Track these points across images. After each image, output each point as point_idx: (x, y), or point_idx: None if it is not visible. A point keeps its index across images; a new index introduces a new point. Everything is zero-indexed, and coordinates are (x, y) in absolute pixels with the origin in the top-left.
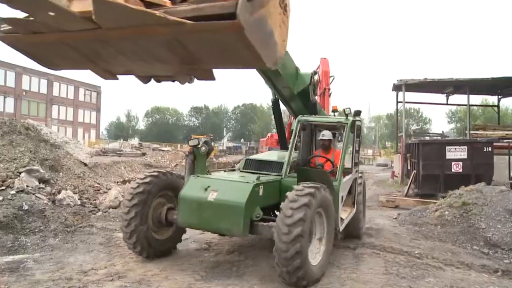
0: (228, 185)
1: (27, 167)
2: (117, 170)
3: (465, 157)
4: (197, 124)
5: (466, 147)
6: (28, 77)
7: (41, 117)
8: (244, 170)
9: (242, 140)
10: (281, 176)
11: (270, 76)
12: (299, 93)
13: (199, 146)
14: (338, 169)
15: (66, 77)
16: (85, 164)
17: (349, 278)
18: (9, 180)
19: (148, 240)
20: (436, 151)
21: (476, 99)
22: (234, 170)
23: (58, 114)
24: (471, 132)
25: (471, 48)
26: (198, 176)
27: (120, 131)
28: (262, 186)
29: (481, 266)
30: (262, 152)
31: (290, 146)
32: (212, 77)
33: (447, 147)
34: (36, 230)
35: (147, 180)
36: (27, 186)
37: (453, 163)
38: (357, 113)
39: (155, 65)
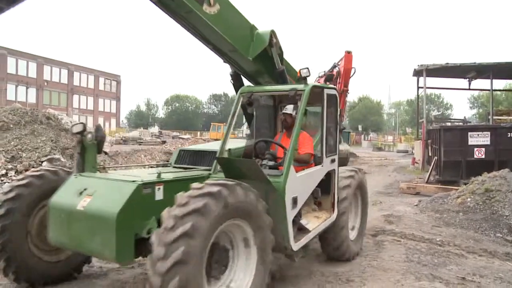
0: (108, 186)
1: (49, 156)
2: (137, 159)
3: (488, 143)
4: (217, 111)
5: (489, 132)
6: (49, 67)
7: (62, 107)
8: (176, 165)
9: None
10: (210, 171)
11: (204, 34)
12: (257, 60)
13: (85, 133)
14: (286, 158)
15: (86, 67)
16: (106, 153)
17: (369, 265)
18: (32, 169)
19: (29, 263)
20: (458, 137)
21: (499, 83)
22: (166, 165)
23: (79, 103)
24: (494, 117)
25: (495, 31)
26: (80, 175)
27: (140, 119)
28: (161, 188)
29: (505, 254)
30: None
31: (227, 128)
32: None
33: (469, 133)
34: None
35: (23, 182)
36: None
37: (475, 149)
38: (329, 78)
39: None
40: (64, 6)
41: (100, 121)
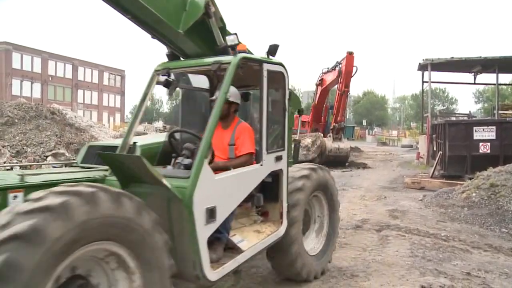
0: None
1: (53, 151)
2: None
3: (493, 137)
4: None
5: (494, 127)
6: (54, 62)
7: (67, 102)
8: (83, 164)
9: None
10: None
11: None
12: (193, 35)
13: None
14: (197, 155)
15: (90, 62)
16: None
17: (374, 260)
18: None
19: None
20: (463, 131)
21: (505, 77)
22: (72, 165)
23: (83, 98)
24: (500, 112)
25: (501, 25)
26: None
27: (144, 114)
28: (20, 195)
29: (510, 249)
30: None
31: (133, 116)
32: None
33: (474, 128)
34: None
35: None
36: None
37: (480, 143)
38: (272, 49)
39: None
40: (68, 1)
41: (105, 116)
